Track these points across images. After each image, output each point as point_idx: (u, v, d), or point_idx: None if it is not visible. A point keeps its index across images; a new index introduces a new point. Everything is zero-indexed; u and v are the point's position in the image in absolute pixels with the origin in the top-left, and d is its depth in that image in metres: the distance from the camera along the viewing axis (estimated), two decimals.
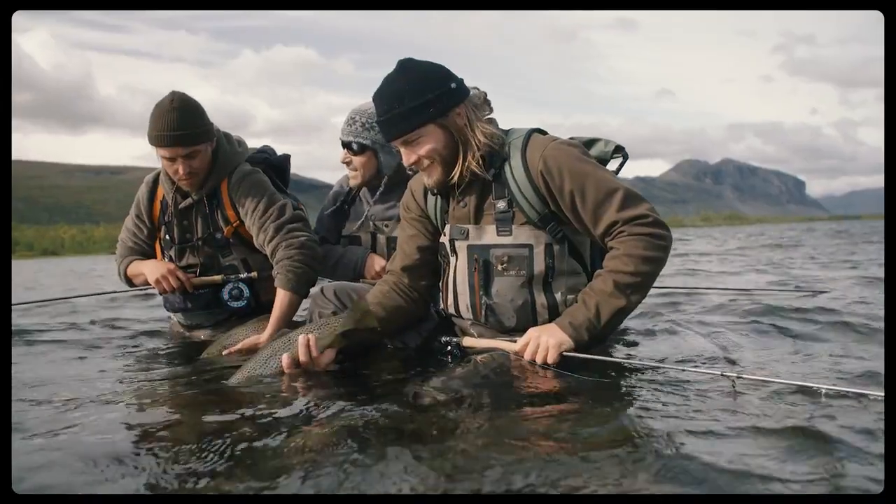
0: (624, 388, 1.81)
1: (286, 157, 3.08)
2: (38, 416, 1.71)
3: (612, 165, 2.18)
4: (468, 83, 2.06)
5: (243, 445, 1.40)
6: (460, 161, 2.03)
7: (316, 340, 2.05)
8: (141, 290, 2.98)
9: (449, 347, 2.14)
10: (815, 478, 1.10)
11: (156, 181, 2.91)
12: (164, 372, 2.34)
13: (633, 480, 1.13)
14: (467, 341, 2.13)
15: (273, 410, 1.69)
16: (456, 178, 2.05)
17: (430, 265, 2.28)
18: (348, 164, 2.81)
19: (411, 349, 2.30)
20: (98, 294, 4.86)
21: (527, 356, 1.92)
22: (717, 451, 1.25)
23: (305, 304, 2.67)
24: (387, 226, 2.86)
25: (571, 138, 2.16)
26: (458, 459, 1.27)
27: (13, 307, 3.77)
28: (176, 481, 1.23)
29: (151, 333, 3.32)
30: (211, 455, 1.35)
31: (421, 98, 1.95)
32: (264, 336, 2.47)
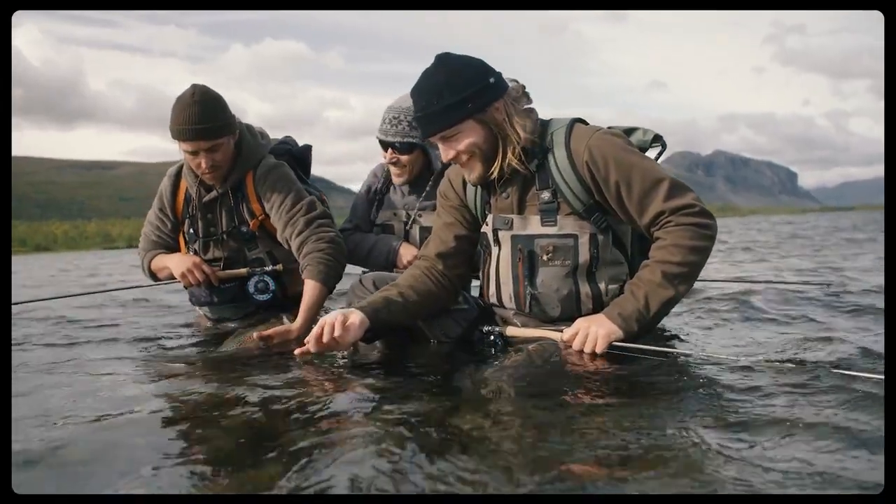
0: (673, 378, 1.79)
1: (307, 148, 3.07)
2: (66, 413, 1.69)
3: (651, 154, 2.16)
4: None
5: (282, 440, 1.38)
6: (500, 156, 2.01)
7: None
8: (165, 283, 2.95)
9: (492, 337, 2.13)
10: (815, 477, 1.09)
11: (178, 174, 2.87)
12: (193, 361, 2.32)
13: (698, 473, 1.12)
14: (510, 331, 2.11)
15: (314, 405, 1.66)
16: (496, 173, 2.03)
17: (466, 254, 2.26)
18: (395, 163, 2.80)
19: (453, 340, 2.27)
20: (118, 289, 4.55)
21: (575, 346, 1.90)
22: (736, 444, 1.25)
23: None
24: (420, 215, 2.86)
25: (610, 128, 2.14)
26: (508, 454, 1.25)
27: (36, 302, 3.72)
28: (224, 478, 1.20)
29: (178, 326, 3.30)
30: (246, 452, 1.33)
31: (459, 94, 1.92)
32: (296, 326, 2.44)
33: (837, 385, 1.59)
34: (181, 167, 2.85)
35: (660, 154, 2.19)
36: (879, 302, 3.07)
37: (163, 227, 2.89)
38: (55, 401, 1.79)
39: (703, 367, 1.90)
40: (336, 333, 1.94)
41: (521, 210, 2.08)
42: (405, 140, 2.74)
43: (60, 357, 2.51)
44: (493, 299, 2.20)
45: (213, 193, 2.77)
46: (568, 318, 2.03)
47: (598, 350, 1.87)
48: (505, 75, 2.05)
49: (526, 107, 2.05)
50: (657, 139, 2.17)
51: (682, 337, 2.51)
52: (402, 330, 2.21)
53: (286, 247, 2.73)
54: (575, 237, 2.02)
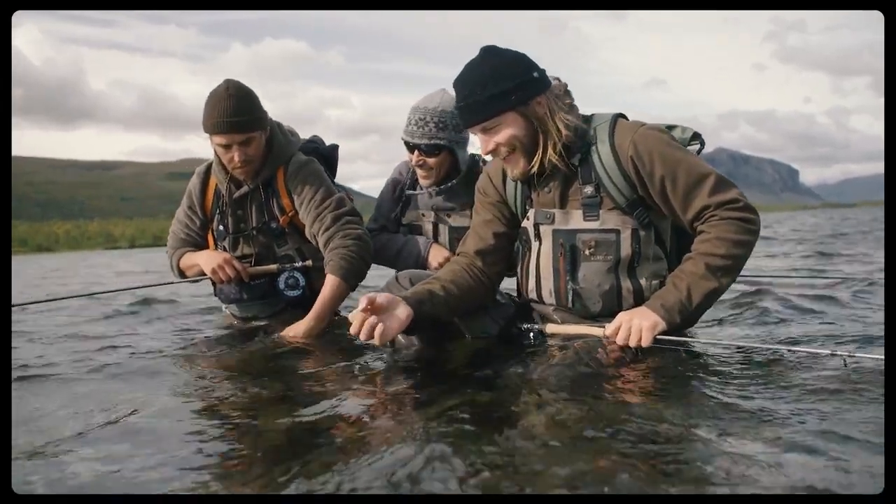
0: (722, 371, 1.80)
1: (335, 147, 3.08)
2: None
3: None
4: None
5: (321, 438, 1.38)
6: (540, 150, 2.00)
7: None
8: (192, 280, 2.94)
9: (531, 334, 2.10)
10: (815, 477, 1.09)
11: (207, 172, 2.87)
12: (222, 359, 2.33)
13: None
14: (550, 328, 2.08)
15: (352, 401, 1.67)
16: (536, 167, 2.02)
17: (504, 251, 2.25)
18: (421, 165, 2.77)
19: (493, 337, 2.25)
20: (150, 286, 4.30)
21: (619, 340, 1.88)
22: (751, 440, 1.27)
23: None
24: (448, 215, 2.83)
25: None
26: (557, 453, 1.24)
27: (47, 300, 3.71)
28: (258, 477, 1.20)
29: (204, 323, 3.31)
30: (284, 452, 1.32)
31: (503, 85, 1.93)
32: (304, 323, 2.53)
33: (849, 386, 1.60)
34: (210, 165, 2.87)
35: (698, 153, 2.17)
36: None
37: (192, 225, 2.89)
38: (76, 402, 1.79)
39: (736, 362, 1.92)
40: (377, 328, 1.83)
41: (563, 205, 2.07)
42: (432, 142, 2.70)
43: (84, 356, 2.50)
44: (533, 294, 2.18)
45: (244, 189, 2.76)
46: (609, 313, 2.01)
47: (644, 344, 1.84)
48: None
49: (568, 103, 2.04)
50: (696, 137, 2.17)
51: (720, 330, 2.52)
52: (439, 327, 2.18)
53: (314, 243, 2.74)
54: (617, 232, 2.01)
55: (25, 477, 1.22)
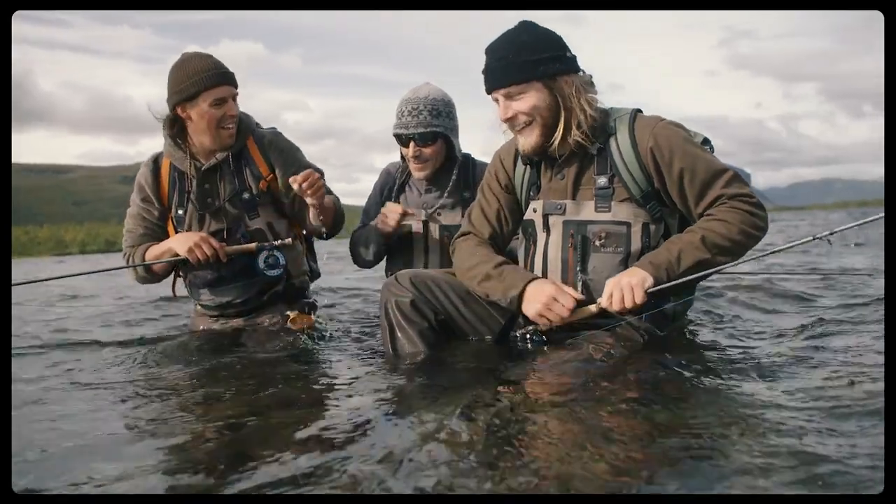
0: (723, 366, 1.82)
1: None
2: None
3: None
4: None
5: (328, 442, 1.37)
6: (561, 128, 1.98)
7: None
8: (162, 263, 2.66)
9: (530, 336, 2.05)
10: (814, 476, 1.09)
11: (157, 160, 2.74)
12: (222, 363, 2.26)
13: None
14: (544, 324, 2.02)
15: (354, 403, 1.66)
16: (556, 144, 2.00)
17: (507, 238, 2.29)
18: (417, 157, 2.67)
19: (495, 335, 2.19)
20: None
21: (615, 306, 1.88)
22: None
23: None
24: (439, 214, 2.75)
25: None
26: (570, 454, 1.23)
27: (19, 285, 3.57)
28: (270, 476, 1.19)
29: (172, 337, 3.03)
30: (290, 454, 1.31)
31: (535, 55, 1.94)
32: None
33: (845, 384, 1.62)
34: (158, 154, 2.75)
35: None
36: None
37: (149, 217, 2.74)
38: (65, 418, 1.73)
39: (737, 357, 1.99)
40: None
41: (574, 194, 2.06)
42: (428, 130, 2.63)
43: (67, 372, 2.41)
44: None
45: (213, 161, 2.65)
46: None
47: (638, 300, 1.85)
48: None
49: (591, 95, 2.04)
50: (706, 142, 2.19)
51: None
52: (439, 327, 2.14)
53: (293, 207, 2.72)
54: (628, 225, 2.01)
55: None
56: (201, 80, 2.48)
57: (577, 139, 1.99)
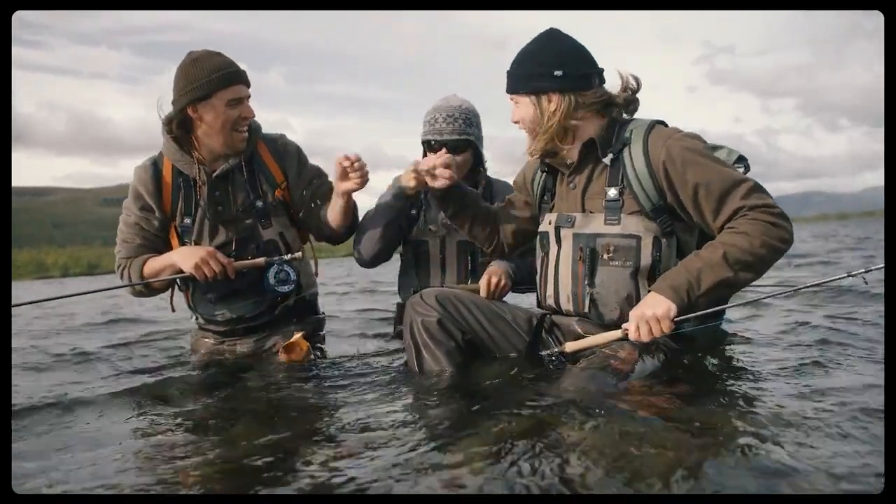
0: (733, 374, 1.88)
1: None
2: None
3: None
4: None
5: (356, 460, 1.39)
6: (537, 142, 2.05)
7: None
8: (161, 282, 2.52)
9: (553, 358, 2.05)
10: (814, 477, 1.11)
11: (156, 164, 2.49)
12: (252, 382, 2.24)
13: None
14: (570, 346, 2.00)
15: (381, 416, 1.68)
16: (536, 152, 2.08)
17: (524, 242, 2.39)
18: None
19: (521, 354, 2.19)
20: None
21: (644, 338, 1.83)
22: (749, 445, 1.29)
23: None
24: (456, 228, 2.69)
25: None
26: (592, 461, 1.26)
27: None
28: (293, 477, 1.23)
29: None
30: (302, 460, 1.35)
31: (532, 69, 2.02)
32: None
33: (845, 385, 1.66)
34: (156, 157, 2.51)
35: None
36: None
37: (148, 227, 2.50)
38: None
39: (745, 363, 2.02)
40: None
41: (584, 207, 2.07)
42: (462, 137, 2.62)
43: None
44: (551, 301, 2.15)
45: (226, 166, 2.46)
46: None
47: (666, 331, 1.82)
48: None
49: (595, 108, 2.03)
50: (741, 160, 2.15)
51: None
52: (466, 346, 2.15)
53: (299, 214, 2.61)
54: (638, 238, 1.96)
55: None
56: (218, 78, 2.32)
57: (539, 149, 2.06)
